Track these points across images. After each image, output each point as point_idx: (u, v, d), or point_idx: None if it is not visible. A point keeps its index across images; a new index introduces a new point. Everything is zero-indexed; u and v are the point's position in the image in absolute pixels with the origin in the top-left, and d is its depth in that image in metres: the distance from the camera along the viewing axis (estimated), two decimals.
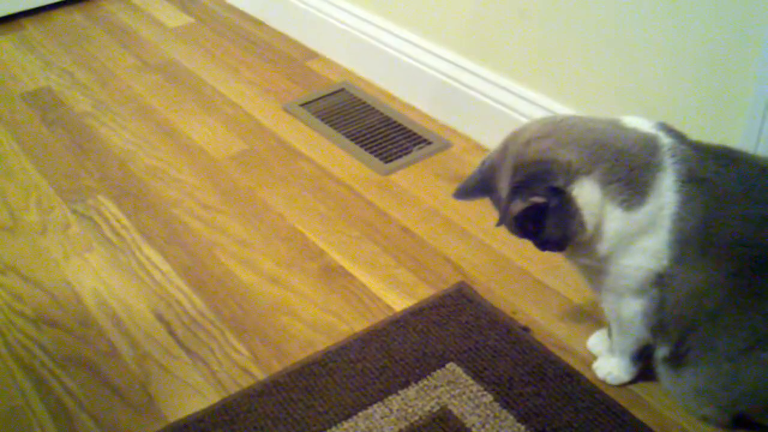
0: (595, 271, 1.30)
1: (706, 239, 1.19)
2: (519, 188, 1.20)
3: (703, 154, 1.22)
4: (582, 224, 1.20)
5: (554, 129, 1.23)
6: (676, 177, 1.20)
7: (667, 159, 1.21)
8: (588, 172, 1.18)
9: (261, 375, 1.46)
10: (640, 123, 1.26)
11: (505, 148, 1.26)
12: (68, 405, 1.43)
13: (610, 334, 1.43)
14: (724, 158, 1.22)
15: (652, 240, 1.21)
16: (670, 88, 1.59)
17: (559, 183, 1.18)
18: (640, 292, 1.26)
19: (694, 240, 1.19)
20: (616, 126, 1.26)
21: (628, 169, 1.20)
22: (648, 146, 1.22)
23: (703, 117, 1.54)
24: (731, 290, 1.20)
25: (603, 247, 1.23)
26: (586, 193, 1.19)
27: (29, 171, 2.05)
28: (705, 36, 1.49)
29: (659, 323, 1.28)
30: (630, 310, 1.29)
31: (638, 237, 1.22)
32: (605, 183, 1.19)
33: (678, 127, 1.26)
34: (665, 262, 1.21)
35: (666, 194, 1.20)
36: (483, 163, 1.31)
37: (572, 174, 1.18)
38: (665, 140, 1.23)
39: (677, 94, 1.58)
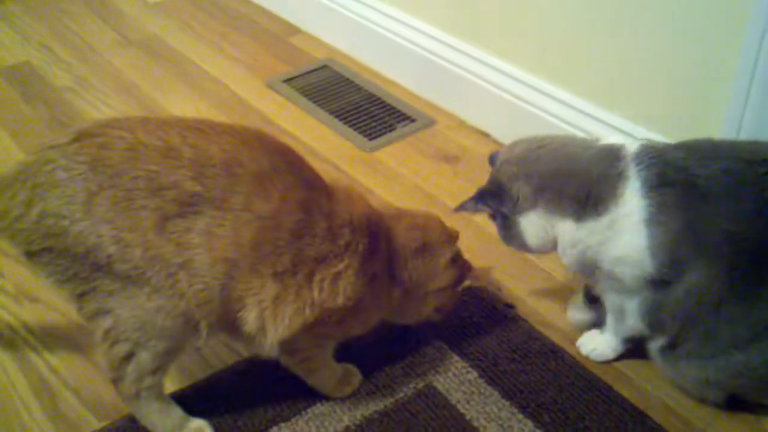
0: (588, 271, 1.32)
1: (697, 239, 1.19)
2: (482, 194, 1.36)
3: (683, 155, 1.22)
4: (524, 243, 1.34)
5: (525, 157, 1.33)
6: (642, 183, 1.20)
7: (630, 168, 1.22)
8: (533, 206, 1.30)
9: (246, 353, 1.46)
10: (612, 139, 1.30)
11: (502, 152, 1.39)
12: (51, 382, 1.42)
13: (585, 294, 1.44)
14: (706, 156, 1.22)
15: (625, 248, 1.22)
16: (655, 68, 1.59)
17: (505, 209, 1.33)
18: (632, 293, 1.28)
19: (685, 241, 1.19)
20: (585, 146, 1.30)
21: (578, 186, 1.25)
22: (607, 159, 1.24)
23: (687, 102, 1.55)
24: (731, 284, 1.20)
25: (565, 259, 1.32)
26: (529, 223, 1.32)
27: (8, 146, 2.03)
28: (692, 21, 1.49)
29: (656, 321, 1.29)
30: (626, 306, 1.31)
31: (606, 244, 1.24)
32: (550, 209, 1.29)
33: (662, 110, 1.25)
34: (650, 269, 1.22)
35: (631, 201, 1.21)
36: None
37: (518, 207, 1.31)
38: (630, 149, 1.24)
39: (662, 76, 1.58)
